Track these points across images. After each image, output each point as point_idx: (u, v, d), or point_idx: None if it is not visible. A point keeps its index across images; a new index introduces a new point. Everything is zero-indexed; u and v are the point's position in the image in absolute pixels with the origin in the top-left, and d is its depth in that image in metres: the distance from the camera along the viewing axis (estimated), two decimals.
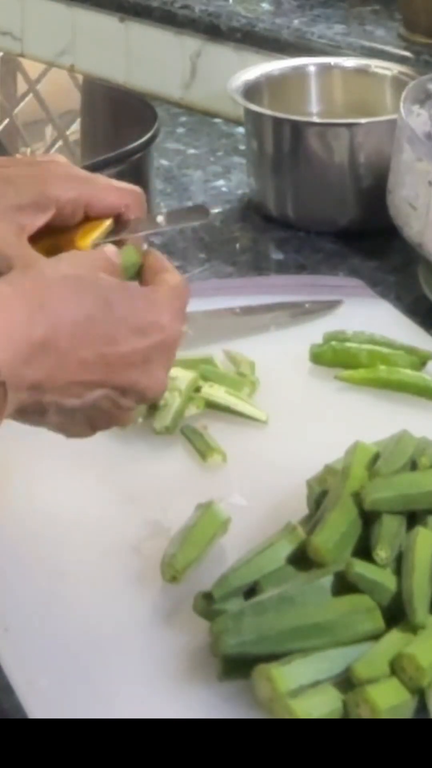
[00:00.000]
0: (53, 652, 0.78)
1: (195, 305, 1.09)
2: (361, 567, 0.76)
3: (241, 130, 1.50)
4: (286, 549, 0.79)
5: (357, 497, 0.80)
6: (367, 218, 1.29)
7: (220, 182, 1.46)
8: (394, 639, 0.73)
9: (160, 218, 0.81)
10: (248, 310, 1.12)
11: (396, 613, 0.75)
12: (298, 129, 1.30)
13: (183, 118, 1.67)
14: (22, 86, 1.61)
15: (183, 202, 1.40)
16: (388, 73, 1.40)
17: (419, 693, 0.72)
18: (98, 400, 0.74)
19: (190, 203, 1.40)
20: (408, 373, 1.02)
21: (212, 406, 0.99)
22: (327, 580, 0.76)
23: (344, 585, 0.76)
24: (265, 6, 1.66)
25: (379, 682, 0.71)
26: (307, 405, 1.01)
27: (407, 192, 1.14)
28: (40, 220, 0.77)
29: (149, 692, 0.75)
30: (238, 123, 1.54)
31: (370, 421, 0.96)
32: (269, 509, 0.88)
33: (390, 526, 0.79)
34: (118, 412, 0.76)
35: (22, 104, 1.56)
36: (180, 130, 1.63)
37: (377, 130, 1.28)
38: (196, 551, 0.82)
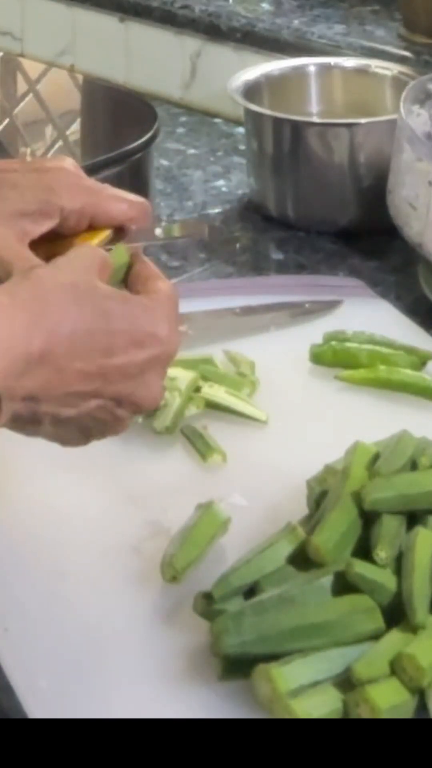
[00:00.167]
0: (53, 652, 0.78)
1: (195, 305, 1.10)
2: (361, 567, 0.76)
3: (241, 130, 1.50)
4: (286, 549, 0.79)
5: (357, 497, 0.80)
6: (367, 218, 1.29)
7: (220, 182, 1.46)
8: (394, 639, 0.73)
9: (158, 231, 0.81)
10: (248, 310, 1.12)
11: (396, 613, 0.75)
12: (298, 129, 1.30)
13: (183, 118, 1.67)
14: (22, 86, 1.61)
15: (183, 203, 1.40)
16: (388, 73, 1.40)
17: (419, 693, 0.72)
18: (94, 410, 0.74)
19: (190, 203, 1.40)
20: (408, 373, 1.02)
21: (212, 406, 0.99)
22: (327, 580, 0.76)
23: (344, 585, 0.76)
24: (265, 6, 1.66)
25: (379, 682, 0.71)
26: (307, 405, 1.01)
27: (407, 192, 1.14)
28: (43, 228, 0.76)
29: (149, 692, 0.75)
30: (238, 123, 1.54)
31: (370, 421, 0.96)
32: (269, 509, 0.88)
33: (390, 526, 0.79)
34: (113, 421, 0.76)
35: (22, 104, 1.56)
36: (180, 130, 1.63)
37: (377, 130, 1.28)
38: (196, 551, 0.82)
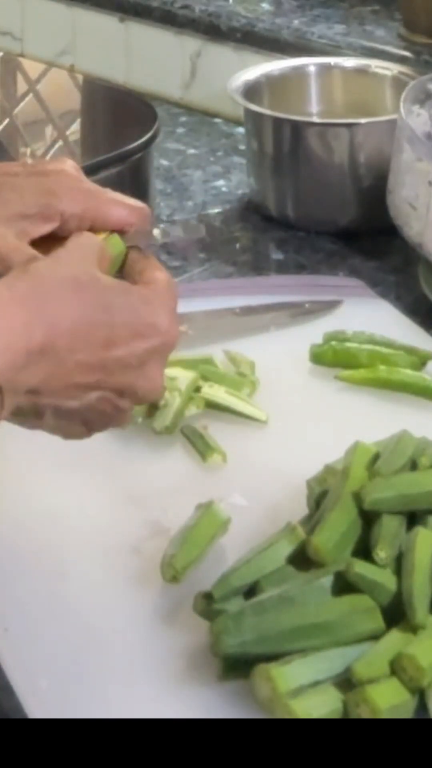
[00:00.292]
0: (53, 652, 0.78)
1: (195, 305, 1.10)
2: (361, 567, 0.76)
3: (241, 130, 1.50)
4: (286, 549, 0.79)
5: (357, 497, 0.80)
6: (367, 218, 1.29)
7: (220, 182, 1.46)
8: (394, 639, 0.73)
9: (156, 232, 0.81)
10: (248, 310, 1.12)
11: (396, 613, 0.75)
12: (298, 129, 1.30)
13: (183, 118, 1.67)
14: (22, 86, 1.61)
15: (183, 202, 1.40)
16: (388, 73, 1.40)
17: (419, 693, 0.72)
18: (95, 402, 0.74)
19: (190, 203, 1.40)
20: (408, 373, 1.02)
21: (212, 406, 0.99)
22: (327, 580, 0.76)
23: (344, 585, 0.76)
24: (265, 6, 1.66)
25: (379, 682, 0.71)
26: (307, 405, 1.01)
27: (407, 192, 1.14)
28: (43, 230, 0.76)
29: (149, 692, 0.75)
30: (238, 123, 1.54)
31: (370, 421, 0.96)
32: (269, 509, 0.88)
33: (390, 526, 0.79)
34: (115, 413, 0.76)
35: (22, 104, 1.56)
36: (180, 130, 1.63)
37: (377, 130, 1.28)
38: (196, 551, 0.82)
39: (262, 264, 1.27)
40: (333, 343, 1.05)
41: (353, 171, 1.29)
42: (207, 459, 0.94)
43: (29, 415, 0.74)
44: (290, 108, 1.37)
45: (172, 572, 0.81)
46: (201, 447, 0.95)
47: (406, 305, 1.16)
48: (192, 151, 1.56)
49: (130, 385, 0.74)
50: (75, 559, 0.85)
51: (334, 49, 1.52)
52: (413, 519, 0.80)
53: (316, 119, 1.40)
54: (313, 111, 1.42)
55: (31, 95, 1.57)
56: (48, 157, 1.42)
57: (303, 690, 0.71)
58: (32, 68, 1.63)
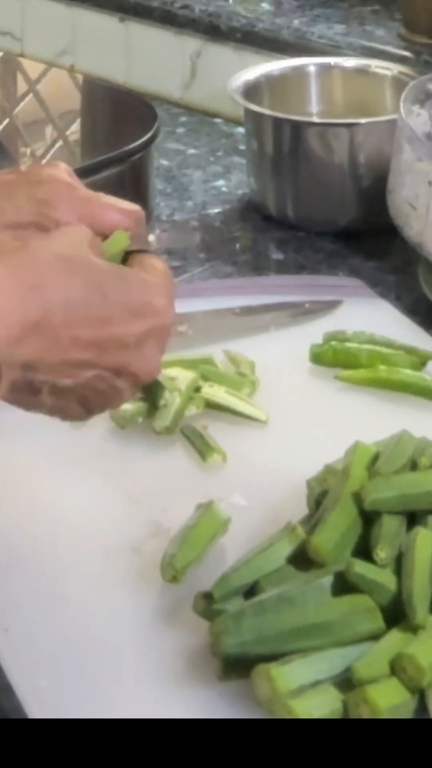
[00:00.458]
0: (53, 652, 0.78)
1: (195, 305, 1.10)
2: (361, 567, 0.76)
3: (241, 130, 1.50)
4: (286, 549, 0.79)
5: (357, 497, 0.80)
6: (367, 218, 1.29)
7: (220, 182, 1.46)
8: (394, 639, 0.73)
9: (151, 237, 0.81)
10: (248, 310, 1.12)
11: (396, 613, 0.75)
12: (298, 129, 1.30)
13: (183, 118, 1.67)
14: (22, 86, 1.61)
15: (183, 202, 1.40)
16: (388, 73, 1.40)
17: (419, 693, 0.72)
18: (91, 380, 0.74)
19: (190, 203, 1.40)
20: (408, 373, 1.02)
21: (212, 406, 0.99)
22: (327, 580, 0.76)
23: (344, 585, 0.76)
24: (265, 6, 1.66)
25: (379, 682, 0.71)
26: (307, 405, 1.01)
27: (407, 192, 1.14)
28: None
29: (149, 692, 0.75)
30: (238, 123, 1.54)
31: (370, 421, 0.96)
32: (269, 509, 0.88)
33: (390, 526, 0.79)
34: (111, 393, 0.76)
35: (22, 104, 1.56)
36: (180, 130, 1.63)
37: (377, 130, 1.28)
38: (196, 551, 0.82)
39: (262, 264, 1.28)
40: (333, 343, 1.05)
41: (353, 171, 1.29)
42: (207, 459, 0.94)
43: (26, 393, 0.74)
44: (290, 108, 1.37)
45: (172, 572, 0.81)
46: (201, 447, 0.95)
47: (406, 305, 1.16)
48: (192, 151, 1.56)
49: (126, 365, 0.75)
50: (75, 559, 0.85)
51: (334, 49, 1.52)
52: (413, 519, 0.80)
53: (316, 119, 1.40)
54: (313, 111, 1.42)
55: (31, 95, 1.57)
56: (48, 157, 1.41)
57: (303, 690, 0.71)
58: (32, 68, 1.63)
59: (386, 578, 0.76)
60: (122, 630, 0.79)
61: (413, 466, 0.85)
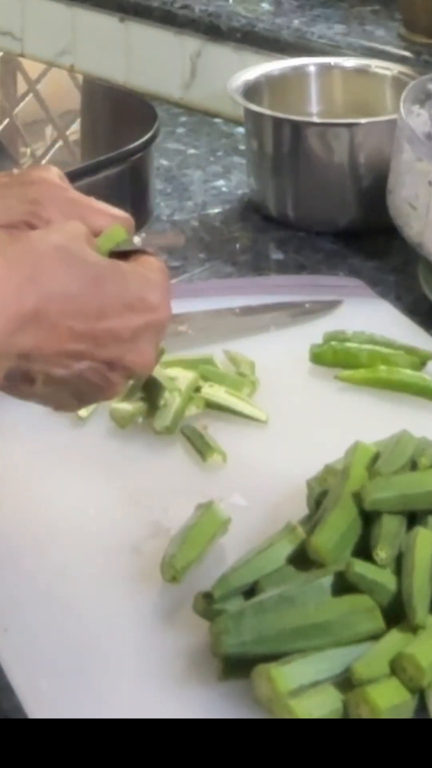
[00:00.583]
0: (53, 652, 0.78)
1: (195, 305, 1.10)
2: (361, 567, 0.76)
3: (241, 130, 1.50)
4: (286, 549, 0.79)
5: (357, 497, 0.80)
6: (367, 218, 1.29)
7: (220, 182, 1.46)
8: (394, 639, 0.73)
9: (137, 239, 0.81)
10: (248, 310, 1.12)
11: (396, 613, 0.75)
12: (298, 129, 1.30)
13: (183, 118, 1.67)
14: (22, 86, 1.61)
15: (183, 203, 1.40)
16: (388, 73, 1.40)
17: (419, 693, 0.72)
18: (85, 372, 0.75)
19: (190, 203, 1.40)
20: (408, 373, 1.02)
21: (212, 406, 0.99)
22: (327, 580, 0.76)
23: (344, 585, 0.76)
24: (265, 6, 1.66)
25: (379, 682, 0.71)
26: (307, 405, 1.01)
27: (407, 192, 1.14)
28: None
29: (149, 692, 0.75)
30: (238, 123, 1.54)
31: (370, 421, 0.96)
32: (269, 509, 0.88)
33: (390, 526, 0.79)
34: (105, 385, 0.77)
35: (22, 104, 1.56)
36: (180, 130, 1.63)
37: (377, 130, 1.28)
38: (196, 551, 0.82)
39: (262, 264, 1.27)
40: (333, 343, 1.05)
41: (353, 171, 1.29)
42: (207, 459, 0.94)
43: (21, 382, 0.75)
44: (290, 108, 1.37)
45: (172, 572, 0.81)
46: (201, 447, 0.95)
47: (406, 305, 1.16)
48: (192, 151, 1.56)
49: (120, 358, 0.75)
50: (75, 559, 0.85)
51: (334, 49, 1.52)
52: (413, 519, 0.80)
53: (316, 119, 1.40)
54: (313, 111, 1.42)
55: (31, 95, 1.57)
56: (48, 157, 1.41)
57: (303, 690, 0.71)
58: (32, 68, 1.63)
59: (386, 578, 0.76)
60: (122, 630, 0.79)
61: (413, 466, 0.85)
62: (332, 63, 1.44)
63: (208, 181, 1.46)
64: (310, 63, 1.44)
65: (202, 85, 1.70)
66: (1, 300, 0.69)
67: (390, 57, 1.48)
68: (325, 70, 1.43)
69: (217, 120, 1.65)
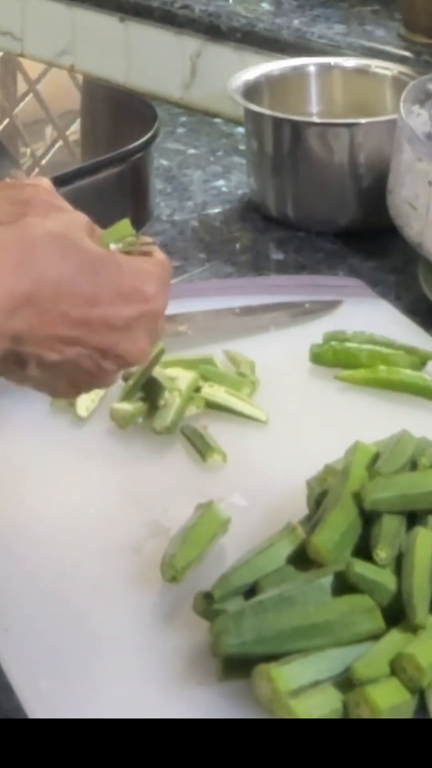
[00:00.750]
0: (53, 652, 0.78)
1: (195, 305, 1.10)
2: (361, 567, 0.76)
3: (241, 130, 1.50)
4: (286, 549, 0.79)
5: (357, 497, 0.80)
6: (367, 218, 1.29)
7: (220, 182, 1.46)
8: (394, 639, 0.73)
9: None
10: (248, 310, 1.12)
11: (396, 613, 0.75)
12: (298, 129, 1.30)
13: (183, 118, 1.67)
14: (22, 86, 1.61)
15: (183, 203, 1.40)
16: (388, 73, 1.40)
17: (419, 693, 0.72)
18: (78, 358, 0.76)
19: (190, 203, 1.40)
20: (408, 373, 1.02)
21: (212, 406, 0.99)
22: (327, 580, 0.76)
23: (344, 585, 0.76)
24: (265, 6, 1.66)
25: (379, 682, 0.71)
26: (307, 405, 1.01)
27: (407, 192, 1.14)
28: None
29: (149, 692, 0.75)
30: (238, 123, 1.54)
31: (370, 421, 0.96)
32: (269, 509, 0.88)
33: (390, 526, 0.79)
34: (98, 373, 0.78)
35: (22, 104, 1.56)
36: (180, 130, 1.63)
37: (377, 130, 1.28)
38: (196, 551, 0.82)
39: (262, 264, 1.27)
40: (333, 343, 1.05)
41: (353, 171, 1.29)
42: (207, 459, 0.94)
43: (14, 364, 0.76)
44: (290, 108, 1.37)
45: (172, 572, 0.81)
46: (201, 447, 0.95)
47: (406, 305, 1.16)
48: (192, 151, 1.56)
49: (114, 346, 0.76)
50: (75, 559, 0.85)
51: (334, 49, 1.52)
52: (413, 519, 0.80)
53: (316, 119, 1.40)
54: (313, 111, 1.42)
55: (31, 95, 1.57)
56: (48, 157, 1.42)
57: (303, 690, 0.71)
58: (32, 68, 1.63)
59: (386, 578, 0.76)
60: (122, 630, 0.79)
61: (413, 466, 0.85)
62: (332, 63, 1.44)
63: (208, 181, 1.46)
64: (310, 63, 1.44)
65: (202, 85, 1.70)
66: None
67: (390, 57, 1.48)
68: (325, 70, 1.43)
69: (217, 120, 1.65)
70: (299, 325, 1.12)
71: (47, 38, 1.88)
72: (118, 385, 0.93)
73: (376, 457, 0.84)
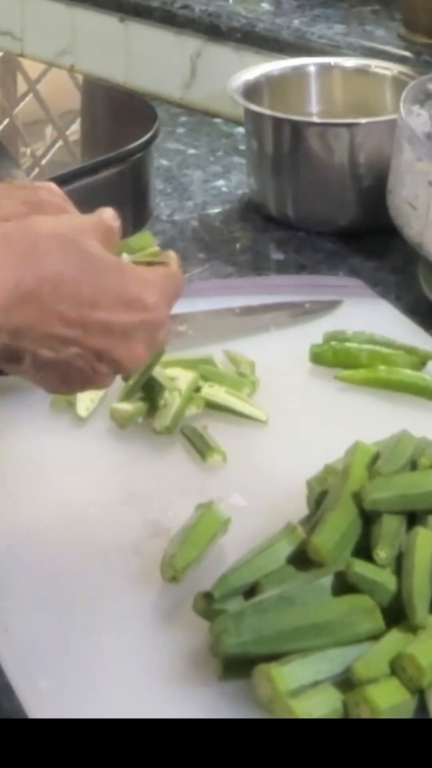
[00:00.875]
0: (53, 652, 0.78)
1: (195, 305, 1.10)
2: (361, 567, 0.76)
3: (241, 130, 1.50)
4: (286, 549, 0.79)
5: (357, 497, 0.80)
6: (367, 218, 1.29)
7: (220, 182, 1.46)
8: (394, 639, 0.73)
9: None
10: (248, 310, 1.12)
11: (396, 613, 0.75)
12: (298, 129, 1.30)
13: (183, 118, 1.67)
14: (22, 86, 1.61)
15: (183, 203, 1.40)
16: (388, 73, 1.40)
17: (419, 693, 0.72)
18: (72, 358, 0.77)
19: (190, 203, 1.40)
20: (408, 373, 1.02)
21: (212, 406, 0.99)
22: (327, 580, 0.76)
23: (344, 585, 0.76)
24: (265, 6, 1.66)
25: (379, 682, 0.71)
26: (307, 405, 1.01)
27: (407, 192, 1.14)
28: None
29: (149, 692, 0.75)
30: (238, 123, 1.54)
31: (370, 421, 0.96)
32: (269, 509, 0.88)
33: (390, 526, 0.79)
34: (92, 374, 0.78)
35: (22, 104, 1.56)
36: (180, 130, 1.63)
37: (377, 130, 1.28)
38: (196, 551, 0.82)
39: (262, 264, 1.27)
40: (333, 343, 1.05)
41: (353, 171, 1.29)
42: (207, 459, 0.94)
43: (10, 358, 0.77)
44: (290, 108, 1.37)
45: (172, 572, 0.81)
46: (201, 447, 0.95)
47: (406, 305, 1.16)
48: (192, 151, 1.56)
49: (109, 350, 0.76)
50: (75, 559, 0.85)
51: (334, 49, 1.52)
52: (413, 519, 0.80)
53: (316, 119, 1.40)
54: (313, 111, 1.42)
55: (31, 95, 1.57)
56: (48, 157, 1.42)
57: (303, 690, 0.71)
58: (32, 68, 1.63)
59: (386, 578, 0.76)
60: (122, 630, 0.79)
61: (413, 466, 0.85)
62: (332, 63, 1.44)
63: (208, 181, 1.46)
64: (310, 63, 1.44)
65: (202, 85, 1.70)
66: (0, 277, 0.71)
67: (390, 57, 1.48)
68: (325, 70, 1.43)
69: (217, 120, 1.65)
70: (299, 325, 1.12)
71: (47, 38, 1.88)
72: (118, 385, 0.93)
73: (376, 457, 0.84)
